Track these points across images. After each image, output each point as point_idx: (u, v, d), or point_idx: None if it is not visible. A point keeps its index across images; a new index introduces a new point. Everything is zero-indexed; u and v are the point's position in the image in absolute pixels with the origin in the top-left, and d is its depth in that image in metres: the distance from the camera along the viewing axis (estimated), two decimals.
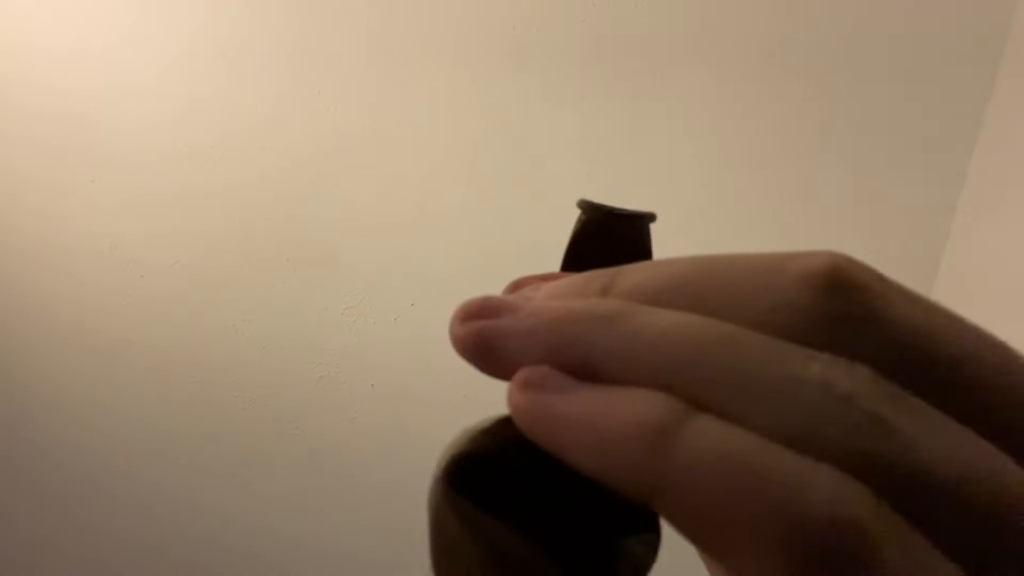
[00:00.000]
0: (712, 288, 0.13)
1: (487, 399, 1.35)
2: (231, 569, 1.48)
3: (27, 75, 1.34)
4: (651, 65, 1.14)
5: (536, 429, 0.12)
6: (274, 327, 1.36)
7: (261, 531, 1.45)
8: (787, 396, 0.11)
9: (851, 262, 0.12)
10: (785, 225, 1.15)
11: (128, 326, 1.41)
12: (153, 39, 1.28)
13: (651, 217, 0.17)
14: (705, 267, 0.13)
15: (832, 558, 0.09)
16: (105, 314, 1.41)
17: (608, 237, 0.17)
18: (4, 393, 1.49)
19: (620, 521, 0.12)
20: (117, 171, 1.34)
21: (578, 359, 0.12)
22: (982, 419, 0.11)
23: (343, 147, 1.26)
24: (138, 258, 1.37)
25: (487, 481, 0.13)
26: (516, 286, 0.16)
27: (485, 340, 0.14)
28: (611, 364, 0.12)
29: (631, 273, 0.14)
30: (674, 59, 1.13)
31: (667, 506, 0.11)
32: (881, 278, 0.12)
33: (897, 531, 0.09)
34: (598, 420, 0.11)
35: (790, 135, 1.12)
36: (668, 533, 0.12)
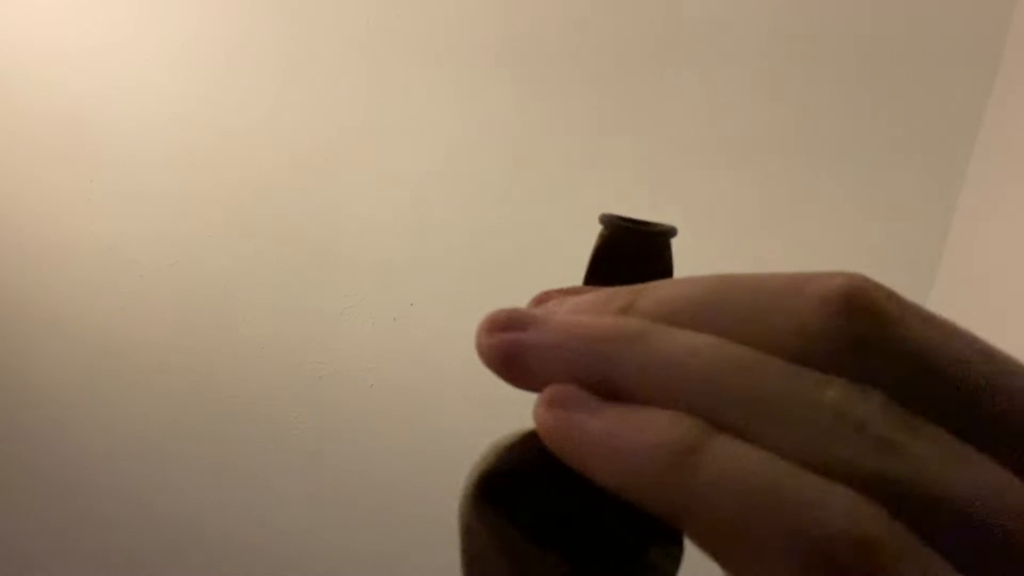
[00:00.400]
0: (732, 309, 0.13)
1: (485, 399, 1.35)
2: (230, 568, 1.48)
3: (26, 75, 1.33)
4: (650, 65, 1.14)
5: (562, 447, 0.12)
6: (273, 327, 1.36)
7: (260, 530, 1.45)
8: (803, 421, 0.11)
9: (868, 284, 0.12)
10: (784, 224, 1.15)
11: (127, 326, 1.41)
12: (152, 39, 1.28)
13: (672, 231, 0.17)
14: (725, 288, 0.13)
15: (848, 566, 0.10)
16: (104, 314, 1.41)
17: (630, 251, 0.17)
18: (2, 392, 1.49)
19: (644, 533, 0.13)
20: (116, 171, 1.34)
21: (601, 376, 0.13)
22: (999, 446, 0.11)
23: (342, 147, 1.26)
24: (137, 258, 1.37)
25: (514, 495, 0.13)
26: (540, 300, 0.16)
27: (512, 352, 0.14)
28: (633, 383, 0.12)
29: (653, 291, 0.14)
30: (674, 60, 1.13)
31: (690, 523, 0.11)
32: (899, 301, 0.12)
33: (912, 549, 0.10)
34: (623, 440, 0.12)
35: (789, 135, 1.12)
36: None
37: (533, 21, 1.16)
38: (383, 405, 1.35)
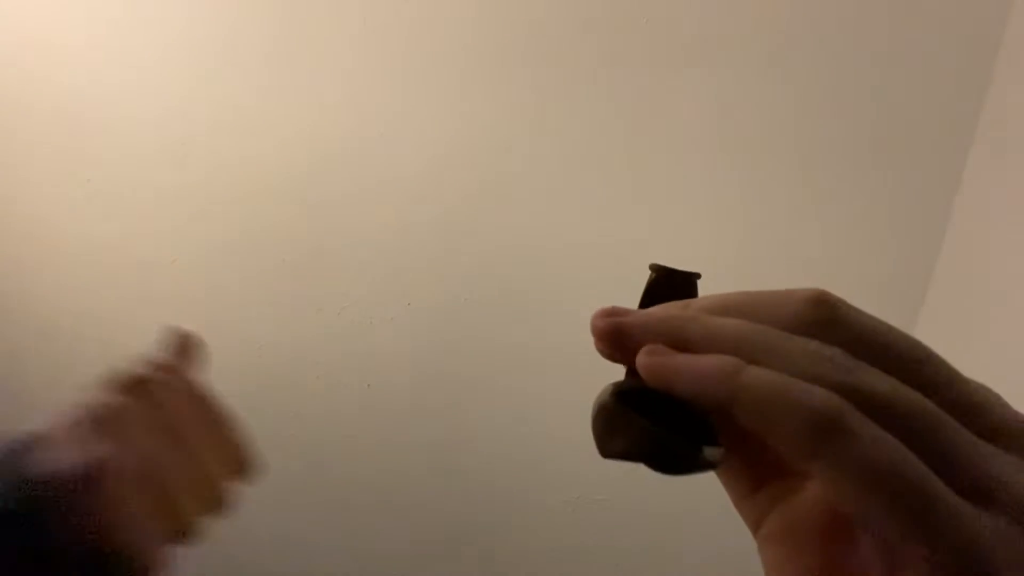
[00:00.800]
0: (749, 307, 0.22)
1: (482, 397, 1.35)
2: (225, 566, 1.48)
3: (23, 74, 1.33)
4: (649, 66, 1.14)
5: (657, 375, 0.21)
6: (270, 327, 1.36)
7: (257, 531, 1.45)
8: (798, 357, 0.20)
9: (830, 293, 0.21)
10: (779, 224, 1.16)
11: (124, 326, 1.40)
12: (150, 37, 1.28)
13: (698, 275, 0.27)
14: (744, 296, 0.22)
15: (825, 425, 0.18)
16: (102, 312, 1.41)
17: (671, 288, 0.26)
18: (0, 393, 1.49)
19: (699, 436, 0.21)
20: (113, 171, 1.34)
21: (676, 341, 0.22)
22: (898, 372, 0.20)
23: (340, 147, 1.26)
24: (135, 256, 1.37)
25: (630, 399, 0.22)
26: (609, 312, 0.25)
27: (619, 329, 0.23)
28: (695, 343, 0.22)
29: (699, 300, 0.24)
30: (673, 60, 1.13)
31: (737, 406, 0.19)
32: (846, 303, 0.21)
33: (858, 416, 0.18)
34: (695, 367, 0.21)
35: (787, 135, 1.13)
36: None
37: (531, 21, 1.16)
38: (380, 405, 1.36)
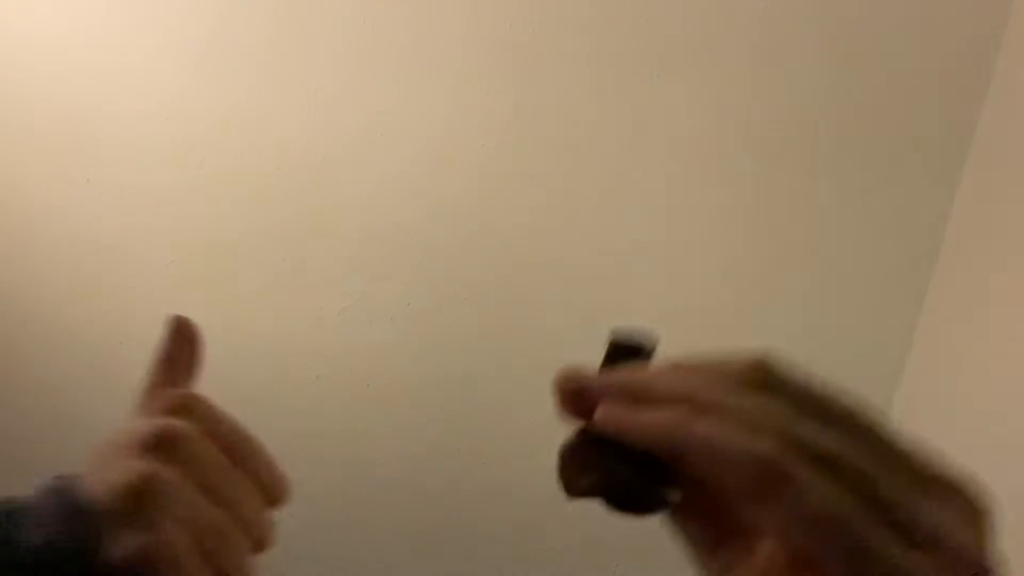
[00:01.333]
0: (699, 369, 0.25)
1: (482, 398, 1.35)
2: None
3: (22, 73, 1.33)
4: (647, 66, 1.14)
5: (614, 425, 0.25)
6: (270, 327, 1.36)
7: None
8: (743, 409, 0.23)
9: (772, 355, 0.24)
10: (782, 225, 1.16)
11: (123, 325, 1.40)
12: (149, 37, 1.28)
13: (655, 347, 0.29)
14: (694, 359, 0.25)
15: (769, 470, 0.21)
16: (100, 313, 1.41)
17: (628, 354, 0.29)
18: None
19: (656, 478, 0.24)
20: (112, 170, 1.34)
21: (632, 398, 0.25)
22: (833, 425, 0.22)
23: (339, 146, 1.26)
24: (134, 256, 1.37)
25: (594, 444, 0.25)
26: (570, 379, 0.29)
27: (580, 389, 0.26)
28: (652, 399, 0.24)
29: (655, 365, 0.27)
30: (673, 60, 1.13)
31: (690, 454, 0.22)
32: (785, 365, 0.24)
33: (799, 463, 0.21)
34: (650, 419, 0.23)
35: (787, 136, 1.13)
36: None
37: (531, 22, 1.16)
38: (380, 405, 1.35)
